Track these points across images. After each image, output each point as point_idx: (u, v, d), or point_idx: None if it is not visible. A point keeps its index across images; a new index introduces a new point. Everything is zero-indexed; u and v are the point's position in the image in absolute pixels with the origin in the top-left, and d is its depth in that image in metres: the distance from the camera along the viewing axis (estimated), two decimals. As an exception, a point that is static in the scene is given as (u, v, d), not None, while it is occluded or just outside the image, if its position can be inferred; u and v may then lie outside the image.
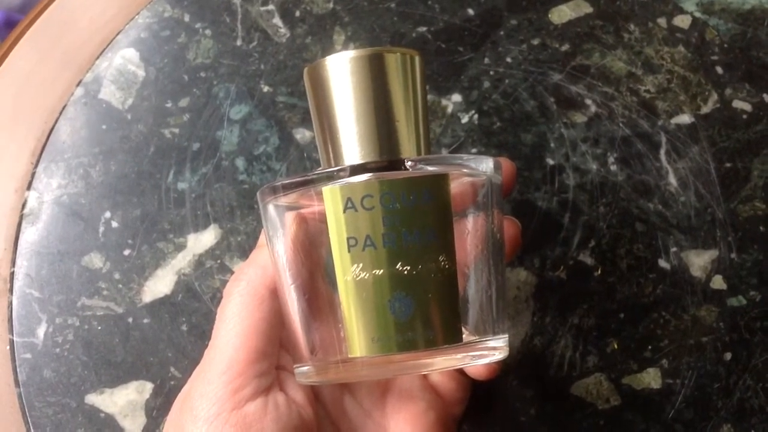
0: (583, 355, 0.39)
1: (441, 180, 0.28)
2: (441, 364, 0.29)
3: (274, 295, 0.30)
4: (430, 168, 0.28)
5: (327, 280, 0.29)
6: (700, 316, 0.40)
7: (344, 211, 0.27)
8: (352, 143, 0.29)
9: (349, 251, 0.27)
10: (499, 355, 0.29)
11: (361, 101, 0.29)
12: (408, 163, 0.28)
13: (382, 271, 0.27)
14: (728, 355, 0.39)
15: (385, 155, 0.29)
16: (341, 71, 0.29)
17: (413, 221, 0.27)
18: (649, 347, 0.39)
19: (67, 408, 0.39)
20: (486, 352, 0.29)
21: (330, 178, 0.28)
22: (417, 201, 0.27)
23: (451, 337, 0.28)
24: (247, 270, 0.31)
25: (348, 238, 0.27)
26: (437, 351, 0.28)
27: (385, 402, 0.33)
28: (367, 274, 0.27)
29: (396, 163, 0.28)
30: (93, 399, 0.40)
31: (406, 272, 0.27)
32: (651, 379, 0.39)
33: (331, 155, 0.29)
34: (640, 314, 0.40)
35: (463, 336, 0.28)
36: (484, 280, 0.30)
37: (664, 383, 0.39)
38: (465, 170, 0.29)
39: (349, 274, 0.27)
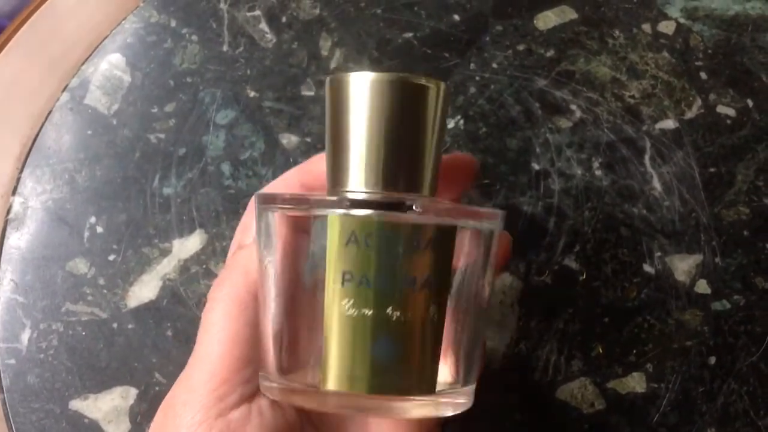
0: (568, 359, 0.40)
1: (448, 231, 0.27)
2: (409, 411, 0.28)
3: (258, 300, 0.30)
4: (440, 217, 0.27)
5: (312, 301, 0.28)
6: (685, 320, 0.40)
7: (346, 244, 0.27)
8: (357, 170, 0.28)
9: (342, 284, 0.27)
10: (467, 405, 0.29)
11: (374, 127, 0.28)
12: (417, 208, 0.27)
13: (371, 311, 0.27)
14: (712, 359, 0.40)
15: (397, 192, 0.28)
16: (361, 91, 0.28)
17: (412, 268, 0.27)
18: (634, 351, 0.40)
19: (51, 414, 0.39)
20: (452, 400, 0.29)
21: (338, 205, 0.27)
22: (420, 248, 0.27)
23: (425, 388, 0.27)
24: (229, 275, 0.31)
25: (344, 272, 0.27)
26: (406, 397, 0.27)
27: None
28: (356, 312, 0.27)
29: (406, 205, 0.27)
30: (77, 405, 0.39)
31: (395, 318, 0.27)
32: (635, 383, 0.39)
33: (340, 175, 0.28)
34: (625, 318, 0.40)
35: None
36: (465, 333, 0.29)
37: (648, 387, 0.39)
38: (471, 222, 0.28)
39: (338, 307, 0.27)
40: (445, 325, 0.28)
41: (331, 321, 0.27)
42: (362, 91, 0.28)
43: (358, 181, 0.28)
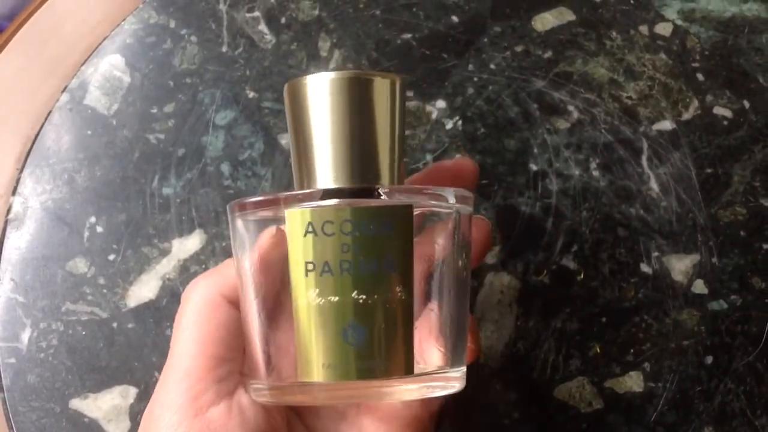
0: (566, 358, 0.40)
1: (404, 211, 0.28)
2: (395, 394, 0.28)
3: (233, 303, 0.30)
4: (394, 198, 0.28)
5: (290, 301, 0.29)
6: (682, 320, 0.40)
7: (304, 235, 0.27)
8: (322, 166, 0.29)
9: (306, 275, 0.27)
10: (456, 387, 0.30)
11: (334, 124, 0.28)
12: (380, 191, 0.28)
13: (337, 298, 0.27)
14: (709, 359, 0.40)
15: (354, 182, 0.28)
16: (320, 91, 0.28)
17: (372, 250, 0.27)
18: (631, 351, 0.40)
19: (51, 413, 0.39)
20: (442, 384, 0.29)
21: (294, 200, 0.28)
22: (378, 230, 0.27)
23: (402, 368, 0.28)
24: (207, 276, 0.31)
25: (306, 263, 0.27)
26: (391, 381, 0.28)
27: None
28: (323, 300, 0.27)
29: (362, 191, 0.28)
30: (77, 404, 0.40)
31: (361, 301, 0.27)
32: (633, 382, 0.39)
33: (301, 175, 0.29)
34: (622, 318, 0.40)
35: (420, 367, 0.28)
36: (445, 314, 0.30)
37: (646, 386, 0.39)
38: (432, 202, 0.29)
39: (305, 298, 0.27)
40: (428, 309, 0.29)
41: (300, 313, 0.27)
42: (320, 91, 0.29)
43: (323, 177, 0.29)
